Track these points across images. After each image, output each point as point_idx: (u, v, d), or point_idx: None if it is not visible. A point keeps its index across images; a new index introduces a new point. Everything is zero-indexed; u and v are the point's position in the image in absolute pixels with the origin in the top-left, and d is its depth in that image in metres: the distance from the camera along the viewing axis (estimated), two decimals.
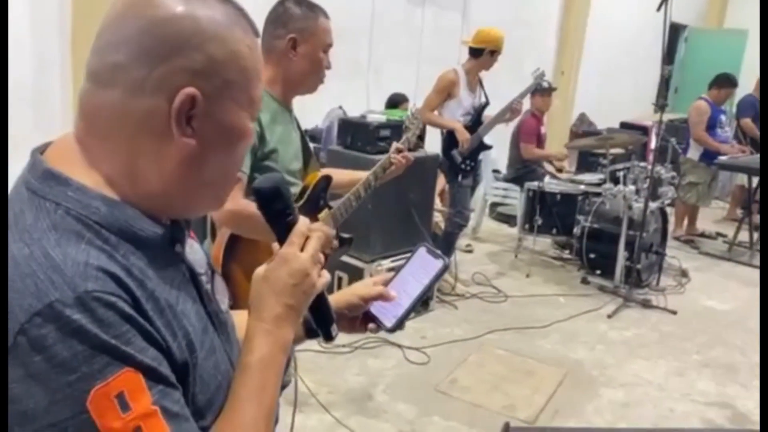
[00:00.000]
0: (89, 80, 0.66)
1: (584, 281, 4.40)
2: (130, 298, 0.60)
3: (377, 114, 3.94)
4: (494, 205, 5.75)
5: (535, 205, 4.56)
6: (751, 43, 8.60)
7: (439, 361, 3.18)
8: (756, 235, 5.23)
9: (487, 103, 4.00)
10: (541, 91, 4.98)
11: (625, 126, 7.57)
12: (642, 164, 4.53)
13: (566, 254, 4.90)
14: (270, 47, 1.67)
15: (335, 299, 0.93)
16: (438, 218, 4.41)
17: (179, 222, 0.73)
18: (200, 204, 0.74)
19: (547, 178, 4.94)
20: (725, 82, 5.45)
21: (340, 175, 1.98)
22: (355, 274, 3.46)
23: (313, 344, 0.91)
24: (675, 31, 9.40)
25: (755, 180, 5.34)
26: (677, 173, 5.22)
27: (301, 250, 0.76)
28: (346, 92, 4.53)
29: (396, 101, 4.71)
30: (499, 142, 4.72)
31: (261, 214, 0.78)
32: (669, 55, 8.44)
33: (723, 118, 5.55)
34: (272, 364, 0.72)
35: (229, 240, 1.68)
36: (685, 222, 5.72)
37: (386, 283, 0.98)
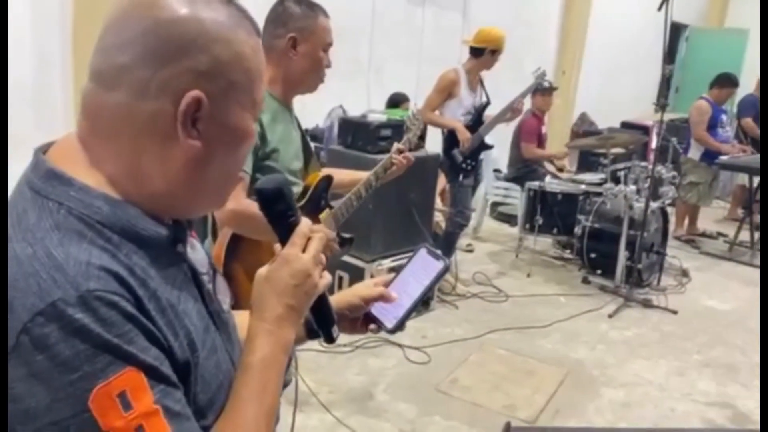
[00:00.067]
0: (93, 80, 0.66)
1: (585, 281, 4.40)
2: (133, 298, 0.60)
3: (378, 113, 3.94)
4: (495, 204, 5.75)
5: (535, 204, 4.57)
6: (752, 42, 8.59)
7: (440, 361, 3.18)
8: (757, 235, 5.23)
9: (488, 103, 4.00)
10: (542, 90, 4.98)
11: (626, 125, 7.57)
12: (643, 164, 4.53)
13: (567, 254, 4.90)
14: (270, 47, 1.67)
15: (336, 300, 0.93)
16: (439, 218, 4.41)
17: (181, 222, 0.73)
18: (202, 204, 0.74)
19: (547, 178, 4.94)
20: (726, 81, 5.44)
21: (341, 175, 1.98)
22: (356, 274, 3.46)
23: (313, 344, 0.91)
24: (676, 31, 9.40)
25: (756, 180, 5.33)
26: (678, 173, 5.22)
27: (303, 251, 0.76)
28: (347, 92, 4.53)
29: (397, 101, 4.71)
30: (499, 141, 4.72)
31: (263, 215, 0.78)
32: (670, 55, 8.44)
33: (724, 117, 5.54)
34: (273, 364, 0.73)
35: (230, 240, 1.68)
36: (686, 222, 5.72)
37: (387, 284, 0.99)
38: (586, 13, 7.30)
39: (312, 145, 2.00)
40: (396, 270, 1.01)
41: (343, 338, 0.92)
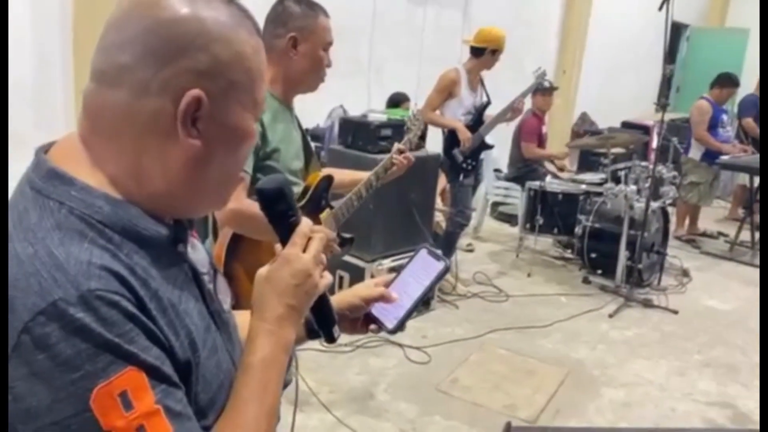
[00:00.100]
0: (94, 80, 0.66)
1: (585, 281, 4.40)
2: (134, 297, 0.60)
3: (378, 113, 3.94)
4: (495, 204, 5.75)
5: (536, 204, 4.57)
6: (753, 42, 8.58)
7: (440, 361, 3.18)
8: (758, 235, 5.22)
9: (488, 103, 4.00)
10: (542, 90, 4.98)
11: (627, 125, 7.57)
12: (643, 164, 4.53)
13: (567, 254, 4.90)
14: (270, 46, 1.67)
15: (336, 300, 0.93)
16: (439, 218, 4.41)
17: (182, 222, 0.73)
18: (203, 204, 0.74)
19: (548, 178, 4.94)
20: (727, 81, 5.44)
21: (341, 175, 1.98)
22: (357, 274, 3.46)
23: (314, 343, 0.91)
24: (676, 30, 9.39)
25: (757, 179, 5.33)
26: (679, 173, 5.22)
27: (304, 250, 0.76)
28: (347, 91, 4.53)
29: (397, 100, 4.71)
30: (500, 141, 4.72)
31: (263, 215, 0.78)
32: (670, 55, 8.43)
33: (725, 117, 5.54)
34: (274, 364, 0.73)
35: (231, 239, 1.68)
36: (687, 221, 5.72)
37: (387, 285, 0.99)
38: (586, 13, 7.29)
39: (312, 144, 2.00)
40: (396, 270, 1.01)
41: (343, 338, 0.92)
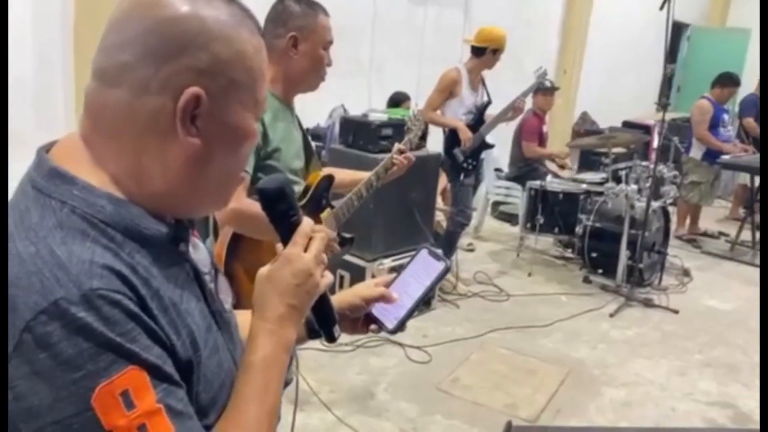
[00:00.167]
0: (95, 79, 0.66)
1: (586, 280, 4.40)
2: (135, 296, 0.60)
3: (379, 113, 3.94)
4: (496, 204, 5.75)
5: (537, 204, 4.56)
6: (754, 41, 8.58)
7: (441, 360, 3.18)
8: (758, 235, 5.22)
9: (489, 102, 3.99)
10: (543, 90, 4.98)
11: (628, 125, 7.56)
12: (644, 163, 4.53)
13: (568, 253, 4.89)
14: (270, 46, 1.67)
15: (337, 300, 0.93)
16: (440, 217, 4.41)
17: (183, 221, 0.73)
18: (204, 204, 0.74)
19: (549, 177, 4.94)
20: (728, 81, 5.44)
21: (342, 174, 1.99)
22: (357, 273, 3.46)
23: (315, 343, 0.91)
24: (677, 30, 9.39)
25: (758, 179, 5.33)
26: (679, 172, 5.21)
27: (305, 250, 0.76)
28: (348, 91, 4.53)
29: (398, 100, 4.71)
30: (501, 141, 4.72)
31: (264, 214, 0.78)
32: (671, 54, 8.44)
33: (726, 117, 5.54)
34: (275, 364, 0.73)
35: (231, 239, 1.68)
36: (688, 221, 5.72)
37: (388, 285, 0.99)
38: (587, 13, 7.29)
39: (313, 144, 2.00)
40: (397, 270, 1.01)
41: (344, 337, 0.92)
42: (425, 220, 3.75)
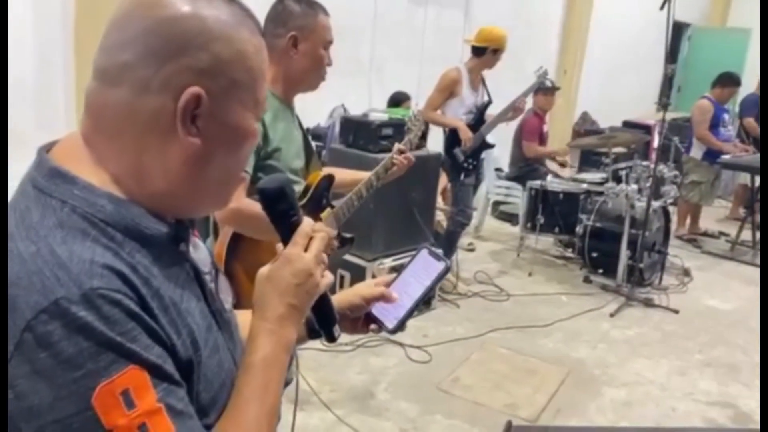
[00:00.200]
0: (96, 78, 0.66)
1: (586, 280, 4.40)
2: (136, 296, 0.60)
3: (379, 112, 3.94)
4: (496, 203, 5.75)
5: (537, 203, 4.56)
6: (755, 41, 8.58)
7: (441, 360, 3.18)
8: (759, 235, 5.22)
9: (489, 102, 4.00)
10: (544, 90, 4.98)
11: (628, 125, 7.56)
12: (645, 163, 4.53)
13: (568, 253, 4.89)
14: (271, 46, 1.66)
15: (337, 300, 0.94)
16: (440, 217, 4.41)
17: (184, 221, 0.73)
18: (205, 204, 0.74)
19: (549, 177, 4.94)
20: (728, 80, 5.44)
21: (342, 174, 1.99)
22: (358, 273, 3.46)
23: (315, 342, 0.92)
24: (678, 30, 9.38)
25: (758, 179, 5.32)
26: (680, 172, 5.21)
27: (305, 250, 0.76)
28: (348, 91, 4.54)
29: (398, 100, 4.71)
30: (501, 140, 4.72)
31: (264, 214, 0.78)
32: (672, 54, 8.43)
33: (726, 117, 5.54)
34: (275, 364, 0.73)
35: (231, 239, 1.68)
36: (688, 221, 5.72)
37: (388, 285, 0.99)
38: (587, 13, 7.29)
39: (313, 144, 2.00)
40: (397, 269, 1.01)
41: (344, 337, 0.92)
42: (425, 219, 3.75)
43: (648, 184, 4.22)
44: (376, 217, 3.44)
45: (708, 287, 4.52)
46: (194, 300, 0.70)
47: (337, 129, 4.10)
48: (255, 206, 1.49)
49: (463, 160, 3.86)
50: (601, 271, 4.41)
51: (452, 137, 3.90)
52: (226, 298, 0.80)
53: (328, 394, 2.77)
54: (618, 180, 4.51)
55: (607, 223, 4.36)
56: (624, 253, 4.14)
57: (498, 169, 5.73)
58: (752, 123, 6.08)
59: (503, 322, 3.66)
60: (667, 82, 4.67)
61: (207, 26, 0.65)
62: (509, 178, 5.38)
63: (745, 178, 5.97)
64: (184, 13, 0.64)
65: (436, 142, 4.12)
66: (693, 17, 9.64)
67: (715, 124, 5.40)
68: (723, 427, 2.86)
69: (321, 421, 2.59)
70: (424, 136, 3.77)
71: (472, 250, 4.95)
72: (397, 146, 2.03)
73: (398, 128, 3.48)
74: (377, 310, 0.98)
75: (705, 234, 5.77)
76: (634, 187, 4.21)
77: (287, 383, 0.97)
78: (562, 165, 5.65)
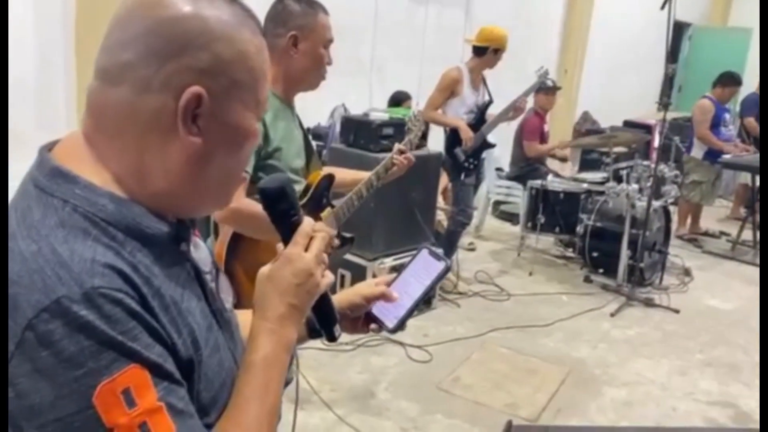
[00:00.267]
0: (98, 78, 0.66)
1: (587, 280, 4.40)
2: (137, 295, 0.60)
3: (380, 112, 3.94)
4: (497, 203, 5.75)
5: (538, 203, 4.56)
6: (756, 41, 8.57)
7: (442, 360, 3.19)
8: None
9: (490, 102, 4.00)
10: (545, 89, 4.98)
11: (629, 124, 7.55)
12: (645, 163, 4.53)
13: (569, 253, 4.89)
14: (271, 45, 1.65)
15: (337, 299, 0.94)
16: (441, 216, 4.41)
17: (184, 221, 0.73)
18: (205, 203, 0.74)
19: (550, 177, 4.94)
20: (729, 80, 5.43)
21: (342, 174, 1.99)
22: (358, 272, 3.46)
23: (315, 342, 0.92)
24: (679, 30, 9.38)
25: (759, 179, 5.32)
26: (681, 172, 5.20)
27: (306, 250, 0.76)
28: (349, 90, 4.54)
29: (399, 99, 4.72)
30: (502, 140, 4.72)
31: (263, 214, 0.79)
32: (673, 54, 8.42)
33: (727, 116, 5.53)
34: (276, 363, 0.73)
35: (231, 239, 1.68)
36: (689, 221, 5.71)
37: (388, 284, 0.99)
38: (588, 12, 7.29)
39: (314, 143, 2.00)
40: (398, 269, 1.01)
41: (344, 336, 0.93)
42: (426, 219, 3.75)
43: (649, 184, 4.22)
44: (376, 216, 3.44)
45: (709, 287, 4.52)
46: (195, 299, 0.70)
47: (337, 128, 4.10)
48: (255, 206, 1.49)
49: (464, 159, 3.86)
50: (601, 270, 4.41)
51: (453, 137, 3.90)
52: (227, 297, 0.80)
53: (328, 393, 2.77)
54: (619, 180, 4.50)
55: (608, 222, 4.36)
56: (625, 252, 4.14)
57: (499, 169, 5.73)
58: (753, 123, 6.08)
59: (504, 322, 3.66)
60: (668, 82, 4.67)
61: (208, 26, 0.65)
62: (510, 178, 5.38)
63: (745, 177, 5.97)
64: (186, 13, 0.64)
65: (436, 142, 4.12)
66: (694, 17, 9.64)
67: (716, 124, 5.40)
68: (723, 426, 2.86)
69: (321, 420, 2.60)
70: (424, 136, 3.78)
71: (472, 249, 4.95)
72: (397, 146, 2.03)
73: (399, 128, 3.48)
74: (377, 309, 0.98)
75: (706, 234, 5.77)
76: (635, 186, 4.21)
77: (288, 383, 0.97)
78: (563, 160, 5.64)
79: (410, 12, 5.27)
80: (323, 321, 0.84)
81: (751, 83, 6.24)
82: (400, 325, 0.96)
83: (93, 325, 0.56)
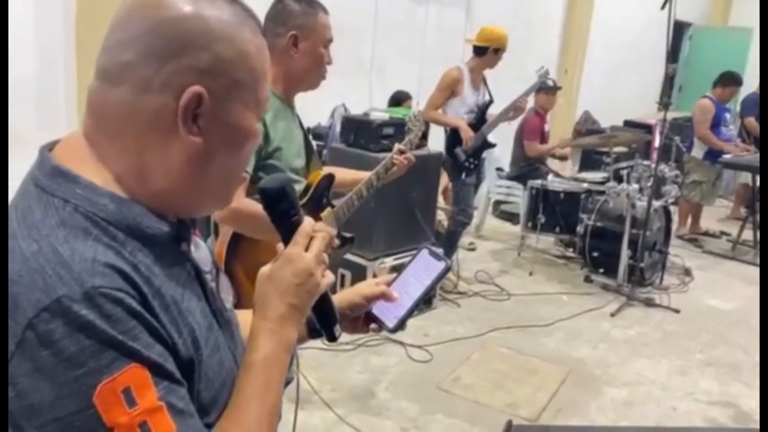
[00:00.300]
0: (98, 78, 0.67)
1: (587, 279, 4.40)
2: (137, 294, 0.60)
3: (380, 112, 3.94)
4: (497, 203, 5.76)
5: (538, 203, 4.56)
6: (756, 41, 8.57)
7: (442, 359, 3.19)
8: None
9: (490, 101, 4.00)
10: (545, 89, 4.98)
11: (629, 124, 7.55)
12: (646, 162, 4.53)
13: (569, 252, 4.89)
14: (271, 45, 1.65)
15: (338, 299, 0.94)
16: (441, 216, 4.41)
17: (185, 220, 0.74)
18: (206, 203, 0.75)
19: (550, 176, 4.94)
20: (730, 80, 5.43)
21: (343, 174, 1.99)
22: (358, 272, 3.47)
23: (316, 341, 0.92)
24: (679, 29, 9.38)
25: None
26: (681, 172, 5.20)
27: (306, 250, 0.76)
28: (349, 90, 4.54)
29: (399, 99, 4.72)
30: (502, 140, 4.72)
31: (263, 214, 0.79)
32: (673, 54, 8.40)
33: (727, 116, 5.53)
34: (276, 363, 0.73)
35: (231, 238, 1.68)
36: (689, 220, 5.71)
37: (388, 284, 0.99)
38: (588, 12, 7.29)
39: (314, 143, 2.00)
40: (398, 269, 1.01)
41: (345, 336, 0.93)
42: (426, 219, 3.75)
43: (649, 184, 4.22)
44: (377, 216, 3.45)
45: (709, 287, 4.52)
46: (195, 299, 0.70)
47: (337, 128, 4.10)
48: (254, 206, 1.49)
49: (465, 159, 3.86)
50: (602, 270, 4.41)
51: (453, 136, 3.90)
52: (227, 297, 0.80)
53: (328, 393, 2.77)
54: (619, 179, 4.50)
55: (608, 222, 4.36)
56: (625, 252, 4.14)
57: (499, 169, 5.73)
58: (753, 122, 6.08)
59: (504, 322, 3.67)
60: (669, 82, 4.67)
61: (209, 26, 0.65)
62: (510, 178, 5.38)
63: (746, 177, 5.97)
64: (186, 13, 0.64)
65: (437, 142, 4.12)
66: (694, 17, 9.64)
67: (716, 124, 5.40)
68: (724, 426, 2.86)
69: (322, 420, 2.60)
70: (425, 136, 3.78)
71: (473, 249, 4.95)
72: (397, 146, 2.03)
73: (399, 127, 3.48)
74: (377, 309, 0.98)
75: (706, 233, 5.77)
76: (635, 186, 4.21)
77: (288, 382, 0.97)
78: (563, 159, 5.64)
79: (410, 12, 5.27)
80: (323, 321, 0.84)
81: (751, 83, 6.24)
82: (400, 325, 0.96)
83: (93, 325, 0.56)
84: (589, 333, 3.66)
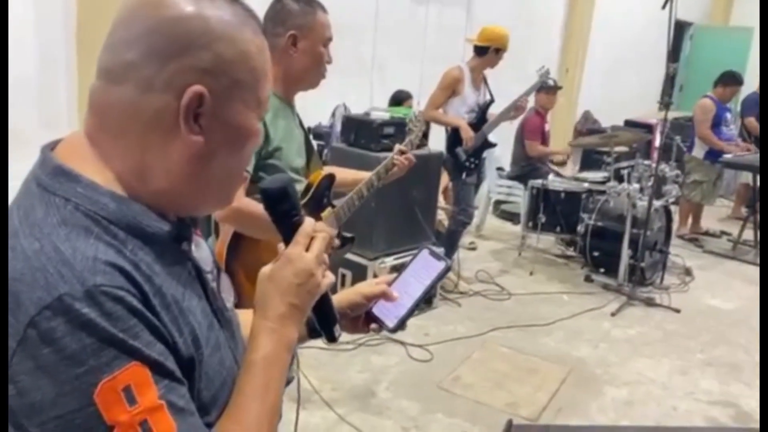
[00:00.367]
0: (100, 77, 0.67)
1: (588, 279, 4.40)
2: (138, 293, 0.61)
3: (381, 111, 3.94)
4: (498, 202, 5.76)
5: (538, 202, 4.56)
6: (757, 40, 8.56)
7: (443, 359, 3.19)
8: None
9: (491, 101, 4.00)
10: (546, 89, 4.98)
11: (630, 124, 7.54)
12: (646, 162, 4.53)
13: (570, 252, 4.89)
14: (270, 45, 1.66)
15: (338, 299, 0.94)
16: (441, 216, 4.41)
17: (186, 219, 0.74)
18: (207, 202, 0.75)
19: (551, 176, 4.94)
20: (730, 80, 5.43)
21: (343, 173, 1.99)
22: (359, 272, 3.47)
23: (316, 341, 0.92)
24: (680, 29, 9.37)
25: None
26: (682, 171, 5.20)
27: (307, 250, 0.77)
28: (350, 89, 4.54)
29: (400, 98, 4.72)
30: (503, 139, 4.72)
31: (263, 213, 0.79)
32: (674, 53, 8.39)
33: (728, 116, 5.53)
34: (276, 363, 0.73)
35: (232, 238, 1.68)
36: (690, 220, 5.71)
37: (389, 284, 0.99)
38: (589, 11, 7.29)
39: (314, 143, 2.01)
40: (398, 268, 1.01)
41: (345, 336, 0.93)
42: (427, 218, 3.75)
43: (650, 184, 4.22)
44: (377, 216, 3.45)
45: (710, 287, 4.52)
46: (196, 298, 0.70)
47: (338, 128, 4.10)
48: (255, 205, 1.50)
49: (465, 159, 3.86)
50: (602, 270, 4.41)
51: (454, 136, 3.90)
52: (228, 297, 0.81)
53: (329, 392, 2.78)
54: (620, 179, 4.50)
55: (609, 222, 4.35)
56: (625, 252, 4.14)
57: (499, 168, 5.73)
58: (754, 122, 6.07)
59: (504, 321, 3.67)
60: (669, 81, 4.66)
61: (210, 26, 0.65)
62: (511, 177, 5.38)
63: (747, 177, 5.96)
64: (188, 13, 0.65)
65: (437, 141, 4.12)
66: (695, 16, 9.63)
67: (717, 123, 5.40)
68: (724, 426, 2.86)
69: (322, 419, 2.60)
70: (425, 135, 3.78)
71: (473, 249, 4.96)
72: (397, 147, 2.03)
73: (400, 127, 3.48)
74: (378, 309, 0.98)
75: (707, 233, 5.76)
76: (636, 186, 4.21)
77: (289, 382, 0.98)
78: (561, 164, 5.65)
79: (411, 11, 5.27)
80: (323, 321, 0.84)
81: (752, 83, 6.23)
82: (401, 325, 0.97)
83: (94, 323, 0.56)
84: (589, 332, 3.66)
